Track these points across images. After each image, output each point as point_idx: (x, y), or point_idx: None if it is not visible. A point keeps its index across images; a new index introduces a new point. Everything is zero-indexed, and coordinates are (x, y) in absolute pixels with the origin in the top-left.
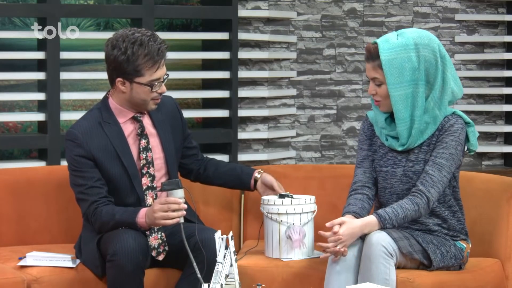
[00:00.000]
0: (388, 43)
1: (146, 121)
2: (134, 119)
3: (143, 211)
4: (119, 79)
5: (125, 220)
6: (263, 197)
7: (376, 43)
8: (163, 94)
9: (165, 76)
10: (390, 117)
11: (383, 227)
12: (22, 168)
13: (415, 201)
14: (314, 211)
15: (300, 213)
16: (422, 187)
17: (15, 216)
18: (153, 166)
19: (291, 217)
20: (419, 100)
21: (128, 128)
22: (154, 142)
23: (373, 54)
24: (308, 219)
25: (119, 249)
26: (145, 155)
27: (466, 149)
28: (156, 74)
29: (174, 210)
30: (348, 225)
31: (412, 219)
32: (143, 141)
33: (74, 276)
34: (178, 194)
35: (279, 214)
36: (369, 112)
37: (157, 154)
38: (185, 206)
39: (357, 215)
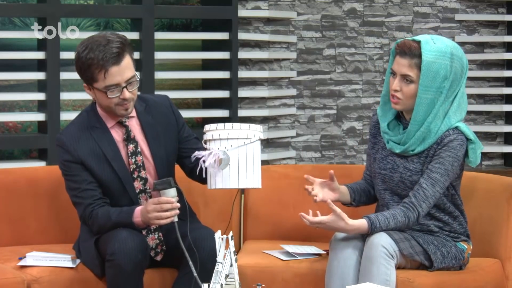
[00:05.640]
0: (429, 45)
1: (134, 125)
2: (120, 123)
3: (138, 211)
4: (84, 84)
5: (121, 221)
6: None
7: (418, 41)
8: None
9: (132, 80)
10: (395, 120)
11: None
12: (22, 168)
13: (407, 215)
14: (247, 138)
15: (227, 139)
16: (415, 199)
17: (15, 216)
18: (144, 169)
19: (218, 143)
20: (435, 108)
21: (117, 132)
22: (143, 146)
23: (414, 52)
24: (237, 145)
25: (117, 248)
26: (134, 160)
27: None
28: (108, 80)
29: (167, 210)
30: (338, 222)
31: (399, 230)
32: (131, 146)
33: (74, 276)
34: (170, 193)
35: (208, 140)
36: (379, 108)
37: (147, 158)
38: (178, 205)
39: (349, 189)
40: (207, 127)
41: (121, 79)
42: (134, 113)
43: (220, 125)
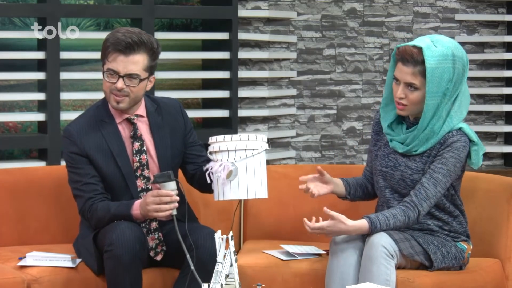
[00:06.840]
0: (431, 50)
1: (143, 125)
2: (128, 120)
3: (137, 203)
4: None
5: (120, 213)
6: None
7: (419, 47)
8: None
9: (133, 76)
10: (397, 120)
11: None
12: (22, 168)
13: (407, 213)
14: (254, 149)
15: (235, 150)
16: (416, 198)
17: (15, 216)
18: (147, 168)
19: (226, 154)
20: (440, 110)
21: (125, 129)
22: (150, 146)
23: (416, 59)
24: (245, 156)
25: (115, 239)
26: (138, 158)
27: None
28: (111, 64)
29: (166, 203)
30: (338, 224)
31: (399, 230)
32: (136, 144)
33: (74, 276)
34: (170, 186)
35: (215, 152)
36: (381, 109)
37: (152, 158)
38: (177, 198)
39: (345, 182)
40: (213, 138)
41: (122, 69)
42: (144, 113)
43: (227, 136)
